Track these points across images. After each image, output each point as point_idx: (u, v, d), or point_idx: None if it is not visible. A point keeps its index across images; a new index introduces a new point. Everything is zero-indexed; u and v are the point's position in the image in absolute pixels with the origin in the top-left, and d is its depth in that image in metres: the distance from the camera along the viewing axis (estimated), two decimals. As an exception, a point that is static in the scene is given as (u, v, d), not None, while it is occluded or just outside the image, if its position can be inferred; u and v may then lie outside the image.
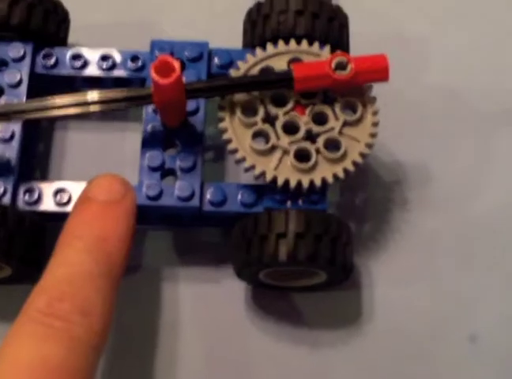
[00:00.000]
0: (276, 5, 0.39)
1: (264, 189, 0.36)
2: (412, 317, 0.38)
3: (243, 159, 0.35)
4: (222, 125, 0.36)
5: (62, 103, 0.35)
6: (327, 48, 0.37)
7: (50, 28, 0.39)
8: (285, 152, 0.35)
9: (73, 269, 0.31)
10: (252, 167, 0.35)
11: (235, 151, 0.36)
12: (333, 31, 0.39)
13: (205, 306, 0.38)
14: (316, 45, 0.37)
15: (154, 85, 0.34)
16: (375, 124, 0.36)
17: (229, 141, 0.36)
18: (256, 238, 0.35)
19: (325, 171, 0.35)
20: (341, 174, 0.35)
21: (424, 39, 0.44)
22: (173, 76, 0.33)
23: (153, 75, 0.33)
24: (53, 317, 0.30)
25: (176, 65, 0.33)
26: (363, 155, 0.36)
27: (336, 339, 0.38)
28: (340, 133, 0.36)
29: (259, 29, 0.39)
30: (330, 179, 0.35)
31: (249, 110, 0.36)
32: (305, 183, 0.35)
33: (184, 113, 0.36)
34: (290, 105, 0.36)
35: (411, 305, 0.38)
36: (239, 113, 0.36)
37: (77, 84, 0.39)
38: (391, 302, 0.38)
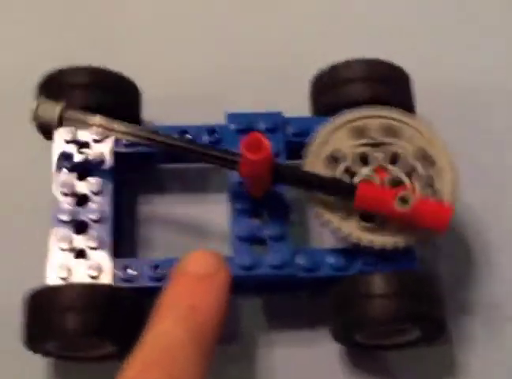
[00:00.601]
0: (341, 73, 0.40)
1: (352, 252, 0.37)
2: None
3: (329, 222, 0.37)
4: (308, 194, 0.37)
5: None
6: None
7: (125, 108, 0.41)
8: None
9: (165, 339, 0.32)
10: (338, 229, 0.37)
11: (321, 214, 0.37)
12: (399, 93, 0.40)
13: (302, 369, 0.39)
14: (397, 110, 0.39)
15: (243, 160, 0.35)
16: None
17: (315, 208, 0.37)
18: (354, 300, 0.36)
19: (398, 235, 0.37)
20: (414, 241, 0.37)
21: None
22: (263, 153, 0.35)
23: (243, 151, 0.35)
24: None
25: (266, 143, 0.35)
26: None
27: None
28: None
29: (328, 97, 0.41)
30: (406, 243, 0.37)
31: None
32: (387, 245, 0.37)
33: (269, 185, 0.38)
34: (373, 166, 0.38)
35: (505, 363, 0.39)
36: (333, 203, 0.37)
37: (155, 159, 0.41)
38: (486, 359, 0.39)
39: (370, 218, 0.37)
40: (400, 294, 0.36)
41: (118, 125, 0.37)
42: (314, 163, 0.38)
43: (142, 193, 0.42)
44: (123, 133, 0.37)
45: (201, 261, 0.34)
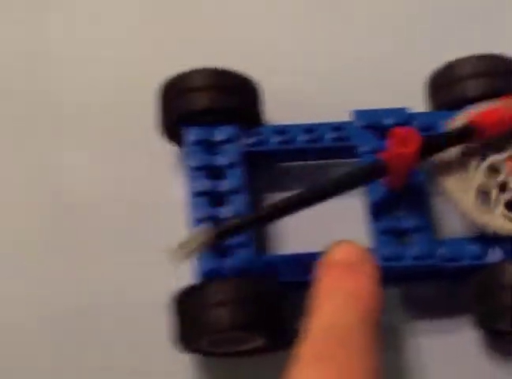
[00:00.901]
0: (463, 69, 0.41)
1: (493, 240, 0.38)
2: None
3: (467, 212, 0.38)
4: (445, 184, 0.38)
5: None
6: None
7: (251, 108, 0.41)
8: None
9: (336, 321, 0.32)
10: (479, 219, 0.37)
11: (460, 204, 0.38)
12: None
13: (445, 357, 0.39)
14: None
15: (394, 155, 0.36)
16: None
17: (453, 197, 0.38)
18: (495, 289, 0.37)
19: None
20: None
21: None
22: (414, 145, 0.35)
23: (393, 147, 0.35)
24: (328, 360, 0.31)
25: (415, 135, 0.35)
26: None
27: None
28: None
29: (449, 93, 0.41)
30: None
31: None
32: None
33: (408, 177, 0.38)
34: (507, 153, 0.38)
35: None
36: (471, 194, 0.38)
37: (281, 158, 0.41)
38: None
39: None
40: None
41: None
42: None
43: (267, 192, 0.42)
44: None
45: (349, 251, 0.35)
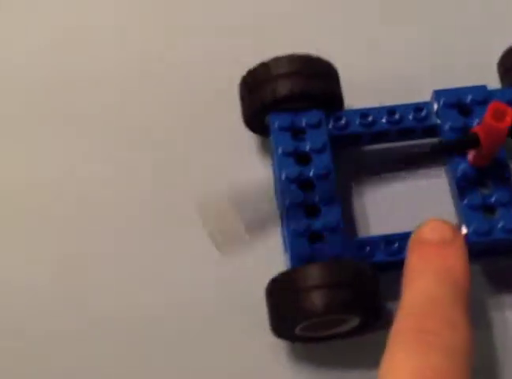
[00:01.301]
0: None
1: None
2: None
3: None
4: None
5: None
6: None
7: (334, 93, 0.42)
8: None
9: (429, 295, 0.34)
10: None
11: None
12: None
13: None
14: None
15: (488, 129, 0.37)
16: None
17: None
18: None
19: None
20: None
21: None
22: (508, 119, 0.36)
23: (489, 120, 0.36)
24: (426, 333, 0.32)
25: (510, 110, 0.36)
26: None
27: None
28: None
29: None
30: None
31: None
32: None
33: (493, 155, 0.39)
34: None
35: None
36: None
37: (363, 141, 0.42)
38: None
39: None
40: None
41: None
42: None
43: (353, 175, 0.43)
44: None
45: (438, 229, 0.36)
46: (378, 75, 0.46)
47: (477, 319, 0.40)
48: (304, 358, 0.40)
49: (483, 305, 0.41)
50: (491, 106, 0.36)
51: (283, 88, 0.41)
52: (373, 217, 0.42)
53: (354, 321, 0.38)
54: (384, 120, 0.41)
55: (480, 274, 0.41)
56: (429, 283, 0.34)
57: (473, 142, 0.37)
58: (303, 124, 0.41)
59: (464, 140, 0.38)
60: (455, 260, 0.35)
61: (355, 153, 0.43)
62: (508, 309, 0.40)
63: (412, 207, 0.41)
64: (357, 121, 0.41)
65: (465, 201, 0.39)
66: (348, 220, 0.41)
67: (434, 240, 0.36)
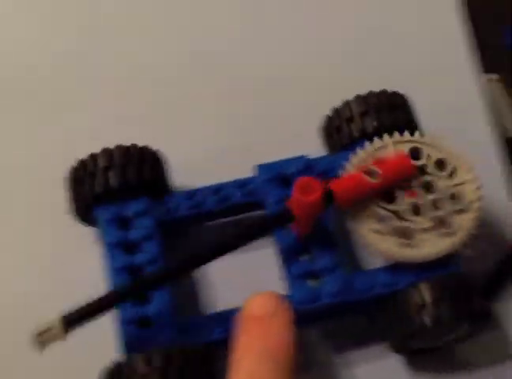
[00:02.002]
0: (342, 115, 0.44)
1: (402, 267, 0.39)
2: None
3: (368, 242, 0.39)
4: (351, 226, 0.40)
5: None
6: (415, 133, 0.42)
7: (159, 179, 0.43)
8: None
9: (251, 376, 0.34)
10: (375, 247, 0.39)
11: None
12: (399, 116, 0.43)
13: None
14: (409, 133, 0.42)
15: (298, 203, 0.37)
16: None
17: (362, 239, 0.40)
18: (401, 313, 0.39)
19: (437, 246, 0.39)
20: (452, 248, 0.39)
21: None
22: (316, 193, 0.37)
23: (297, 195, 0.37)
24: None
25: (318, 183, 0.37)
26: (471, 229, 0.40)
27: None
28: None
29: (336, 138, 0.44)
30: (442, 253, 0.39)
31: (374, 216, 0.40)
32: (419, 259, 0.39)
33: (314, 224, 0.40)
34: (401, 198, 0.40)
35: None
36: (367, 220, 0.40)
37: (195, 220, 0.43)
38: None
39: (406, 234, 0.39)
40: (442, 299, 0.38)
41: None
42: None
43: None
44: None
45: (263, 303, 0.37)
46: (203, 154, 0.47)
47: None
48: None
49: (325, 366, 0.42)
50: (297, 182, 0.37)
51: (107, 181, 0.41)
52: (207, 295, 0.43)
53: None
54: (210, 199, 0.42)
55: (318, 336, 0.42)
56: (252, 365, 0.35)
57: (287, 216, 0.38)
58: (130, 213, 0.41)
59: (278, 215, 0.39)
60: (278, 331, 0.36)
61: (189, 235, 0.44)
62: (348, 367, 0.42)
63: (245, 281, 0.42)
64: (185, 204, 0.42)
65: (289, 270, 0.40)
66: (182, 301, 0.41)
67: (257, 314, 0.36)
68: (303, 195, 0.37)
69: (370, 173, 0.39)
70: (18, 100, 0.49)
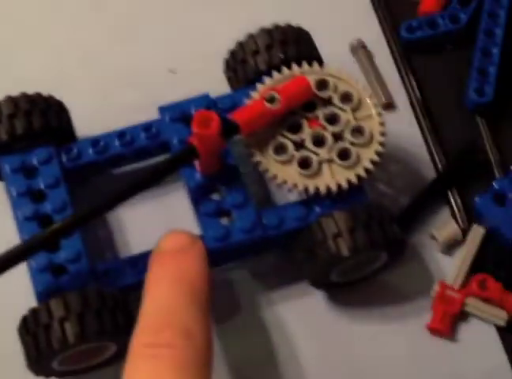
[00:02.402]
0: (246, 48, 0.43)
1: (311, 202, 0.40)
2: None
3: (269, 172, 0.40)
4: (255, 159, 0.40)
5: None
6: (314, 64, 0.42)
7: (63, 127, 0.42)
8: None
9: (164, 304, 0.34)
10: (275, 178, 0.40)
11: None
12: (304, 50, 0.43)
13: (300, 321, 0.42)
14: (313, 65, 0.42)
15: (198, 138, 0.37)
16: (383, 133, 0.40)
17: (265, 171, 0.40)
18: (316, 245, 0.39)
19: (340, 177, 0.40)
20: (354, 180, 0.40)
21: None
22: (214, 125, 0.37)
23: (196, 129, 0.37)
24: (158, 347, 0.33)
25: (214, 115, 0.37)
26: (373, 162, 0.40)
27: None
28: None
29: (241, 72, 0.43)
30: (344, 184, 0.40)
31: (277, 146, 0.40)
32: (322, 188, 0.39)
33: (220, 159, 0.40)
34: (305, 127, 0.40)
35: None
36: (270, 151, 0.40)
37: (101, 167, 0.42)
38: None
39: (307, 165, 0.40)
40: (355, 227, 0.39)
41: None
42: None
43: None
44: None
45: (175, 239, 0.37)
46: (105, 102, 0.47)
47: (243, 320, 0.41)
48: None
49: (247, 306, 0.42)
50: (196, 115, 0.37)
51: (9, 129, 0.41)
52: (121, 240, 0.43)
53: (110, 348, 0.38)
54: (117, 144, 0.42)
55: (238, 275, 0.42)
56: (163, 291, 0.35)
57: (191, 153, 0.38)
58: (35, 162, 0.41)
59: (182, 153, 0.39)
60: (191, 264, 0.36)
61: (95, 182, 0.44)
62: (276, 306, 0.42)
63: (158, 224, 0.42)
64: (90, 150, 0.41)
65: (200, 210, 0.40)
66: (94, 247, 0.41)
67: (171, 249, 0.37)
68: (202, 128, 0.37)
69: (270, 99, 0.39)
70: None
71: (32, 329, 0.37)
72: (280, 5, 0.49)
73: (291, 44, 0.43)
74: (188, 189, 0.40)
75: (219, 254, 0.40)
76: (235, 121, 0.38)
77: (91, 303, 0.37)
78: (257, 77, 0.42)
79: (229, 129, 0.38)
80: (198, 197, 0.40)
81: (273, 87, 0.40)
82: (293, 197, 0.42)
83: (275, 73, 0.41)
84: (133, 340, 0.33)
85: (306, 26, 0.44)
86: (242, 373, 0.40)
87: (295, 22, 0.44)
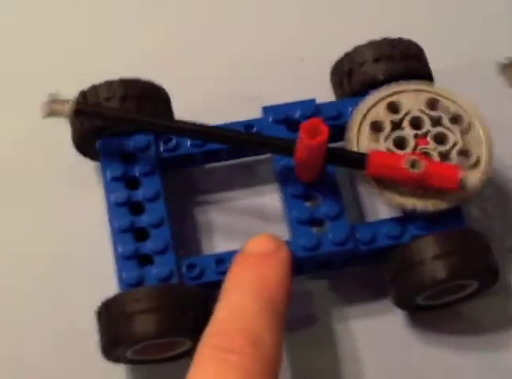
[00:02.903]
0: (362, 55, 0.42)
1: (406, 220, 0.39)
2: None
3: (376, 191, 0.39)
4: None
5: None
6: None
7: (164, 115, 0.42)
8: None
9: (240, 309, 0.34)
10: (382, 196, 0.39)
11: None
12: (420, 67, 0.42)
13: (375, 339, 0.40)
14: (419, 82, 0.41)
15: (301, 144, 0.37)
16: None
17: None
18: (413, 265, 0.38)
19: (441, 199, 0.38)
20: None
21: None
22: (321, 137, 0.36)
23: (302, 135, 0.36)
24: (228, 352, 0.32)
25: (324, 128, 0.36)
26: (482, 181, 0.39)
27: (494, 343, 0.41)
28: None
29: (354, 79, 0.42)
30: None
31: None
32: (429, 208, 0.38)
33: (320, 171, 0.39)
34: (411, 144, 0.39)
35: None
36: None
37: (196, 161, 0.42)
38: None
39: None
40: (453, 252, 0.37)
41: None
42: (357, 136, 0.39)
43: (189, 194, 0.43)
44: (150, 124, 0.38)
45: (262, 243, 0.37)
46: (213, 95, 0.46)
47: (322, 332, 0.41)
48: None
49: (327, 318, 0.41)
50: (307, 122, 0.36)
51: (113, 112, 0.40)
52: (206, 237, 0.42)
53: (186, 345, 0.38)
54: (215, 139, 0.41)
55: (322, 288, 0.41)
56: (241, 296, 0.34)
57: (288, 148, 0.38)
58: (131, 148, 0.40)
59: (282, 142, 0.38)
60: (273, 271, 0.35)
61: (189, 174, 0.43)
62: (351, 321, 0.41)
63: (246, 225, 0.41)
64: (188, 142, 0.41)
65: (292, 216, 0.39)
66: (182, 241, 0.41)
67: (256, 252, 0.36)
68: (310, 137, 0.36)
69: (413, 163, 0.37)
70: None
71: (113, 316, 0.37)
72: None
73: (399, 59, 0.42)
74: (283, 193, 0.40)
75: (305, 263, 0.39)
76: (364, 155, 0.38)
77: (174, 298, 0.36)
78: (362, 90, 0.42)
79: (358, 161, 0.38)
80: (293, 203, 0.39)
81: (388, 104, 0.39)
82: (385, 215, 0.42)
83: (382, 88, 0.40)
84: (205, 340, 0.33)
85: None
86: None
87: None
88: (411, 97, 0.40)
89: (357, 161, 0.38)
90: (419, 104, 0.40)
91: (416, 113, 0.40)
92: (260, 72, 0.47)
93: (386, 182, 0.38)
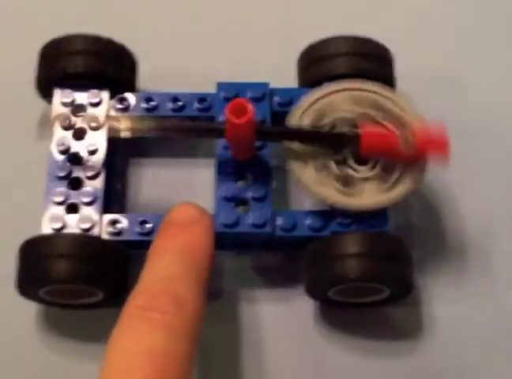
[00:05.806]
0: (326, 48, 0.43)
1: (329, 214, 0.40)
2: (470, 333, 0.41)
3: (307, 186, 0.39)
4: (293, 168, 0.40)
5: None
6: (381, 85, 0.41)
7: (124, 76, 0.43)
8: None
9: (164, 272, 0.36)
10: (315, 193, 0.39)
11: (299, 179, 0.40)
12: (381, 69, 0.43)
13: (281, 324, 0.41)
14: (375, 84, 0.41)
15: (229, 124, 0.38)
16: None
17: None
18: (326, 259, 0.38)
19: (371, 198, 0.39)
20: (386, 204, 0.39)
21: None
22: (246, 116, 0.37)
23: (228, 115, 0.37)
24: (152, 311, 0.34)
25: (250, 107, 0.37)
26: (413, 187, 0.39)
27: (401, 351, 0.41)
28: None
29: (313, 71, 0.43)
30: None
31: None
32: (361, 208, 0.39)
33: (253, 149, 0.40)
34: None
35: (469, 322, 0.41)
36: (311, 167, 0.40)
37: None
38: (449, 318, 0.41)
39: (346, 182, 0.39)
40: (365, 254, 0.38)
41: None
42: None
43: (133, 156, 0.44)
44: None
45: (186, 211, 0.38)
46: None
47: (229, 309, 0.41)
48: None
49: (236, 296, 0.42)
50: (232, 102, 0.37)
51: (73, 64, 0.42)
52: (134, 199, 0.44)
53: (98, 296, 0.39)
54: (168, 106, 0.42)
55: (237, 265, 0.42)
56: (166, 260, 0.36)
57: (216, 131, 0.39)
58: (83, 101, 0.42)
59: (210, 127, 0.40)
60: (196, 238, 0.37)
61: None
62: (256, 302, 0.42)
63: (178, 193, 0.43)
64: (140, 105, 0.42)
65: (220, 192, 0.40)
66: (110, 198, 0.42)
67: (179, 220, 0.38)
68: (236, 116, 0.37)
69: (406, 140, 0.38)
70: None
71: (31, 255, 0.38)
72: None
73: (363, 57, 0.42)
74: (217, 169, 0.41)
75: (223, 240, 0.40)
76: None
77: (87, 248, 0.38)
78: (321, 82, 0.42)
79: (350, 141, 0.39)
80: (223, 179, 0.40)
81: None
82: (309, 205, 0.42)
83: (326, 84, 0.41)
84: (130, 300, 0.35)
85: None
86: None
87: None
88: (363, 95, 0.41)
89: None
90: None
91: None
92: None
93: (312, 175, 0.39)
